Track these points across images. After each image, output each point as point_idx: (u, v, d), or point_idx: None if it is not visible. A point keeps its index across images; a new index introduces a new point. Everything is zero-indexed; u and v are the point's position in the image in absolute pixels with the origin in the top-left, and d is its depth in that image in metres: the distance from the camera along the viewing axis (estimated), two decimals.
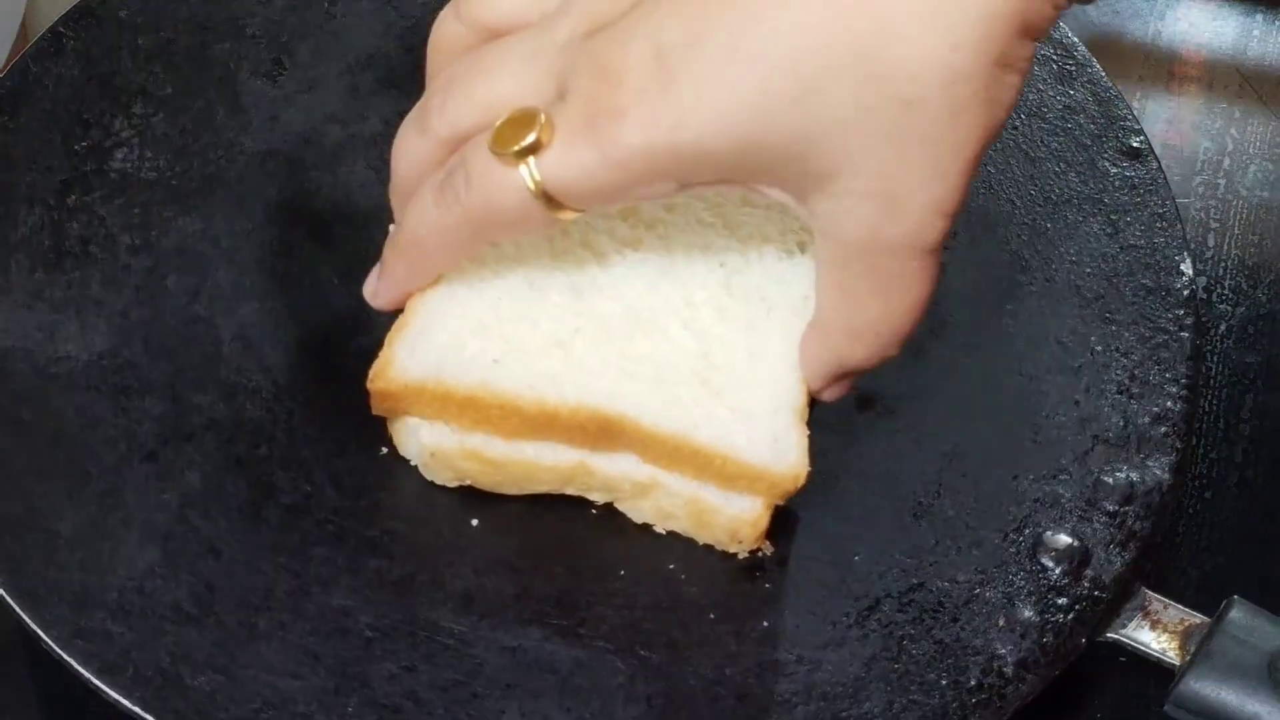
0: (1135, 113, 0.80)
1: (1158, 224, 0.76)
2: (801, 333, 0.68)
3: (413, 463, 0.68)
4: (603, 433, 0.65)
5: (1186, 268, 0.75)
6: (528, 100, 0.60)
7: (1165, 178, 0.78)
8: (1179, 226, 0.76)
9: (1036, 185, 0.78)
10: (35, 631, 0.62)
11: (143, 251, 0.73)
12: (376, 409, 0.67)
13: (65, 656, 0.61)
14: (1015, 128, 0.80)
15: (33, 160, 0.74)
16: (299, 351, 0.71)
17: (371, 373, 0.67)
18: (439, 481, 0.67)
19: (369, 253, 0.74)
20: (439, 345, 0.67)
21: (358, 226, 0.75)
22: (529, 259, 0.69)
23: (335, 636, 0.63)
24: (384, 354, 0.67)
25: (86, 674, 0.61)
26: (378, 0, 0.83)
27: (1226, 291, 0.84)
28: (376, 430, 0.69)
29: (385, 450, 0.68)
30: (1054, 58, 0.82)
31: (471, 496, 0.67)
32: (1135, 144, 0.79)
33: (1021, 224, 0.77)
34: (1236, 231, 0.87)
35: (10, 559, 0.63)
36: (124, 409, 0.68)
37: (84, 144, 0.75)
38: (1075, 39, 0.82)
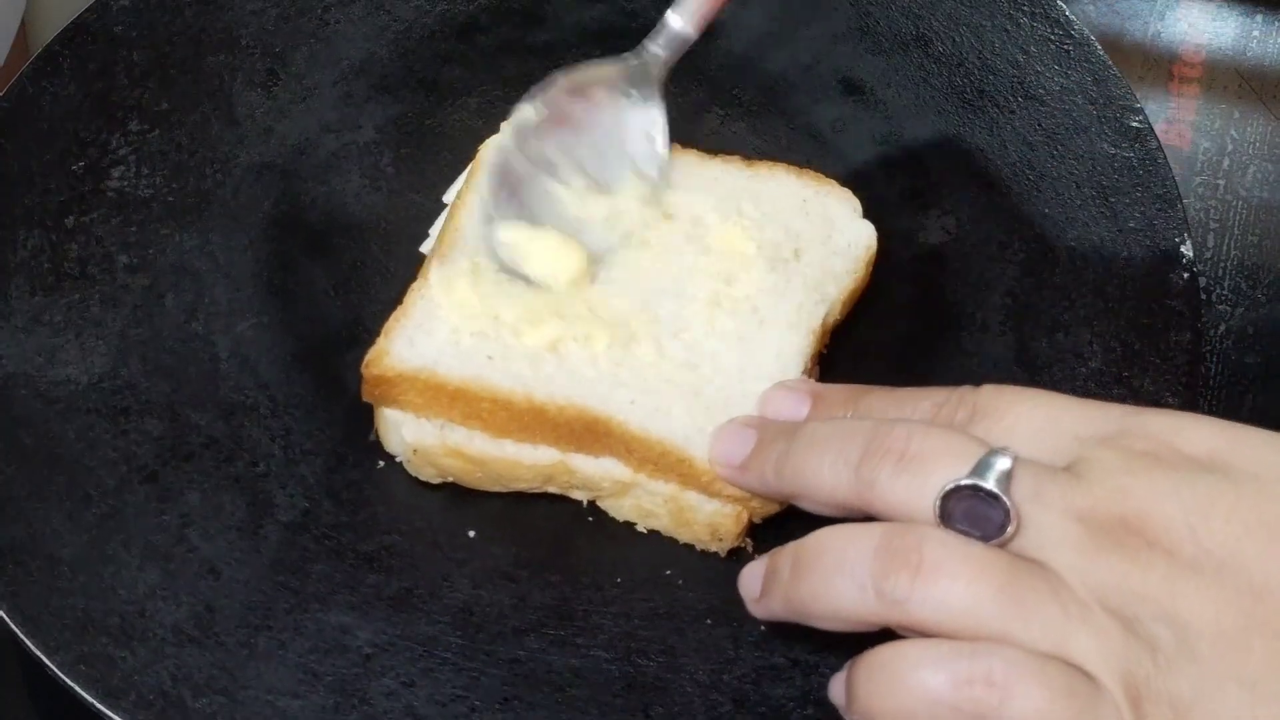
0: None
1: (1157, 205, 0.76)
2: (794, 346, 0.68)
3: (397, 459, 0.69)
4: (589, 433, 0.66)
5: (1187, 249, 0.74)
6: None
7: (1165, 157, 0.77)
8: (1179, 207, 0.75)
9: (1034, 169, 0.78)
10: (39, 658, 0.62)
11: (140, 270, 0.73)
12: (367, 395, 0.68)
13: (69, 682, 0.62)
14: (1012, 111, 0.79)
15: (31, 182, 0.75)
16: (295, 366, 0.71)
17: (366, 358, 0.67)
18: (422, 478, 0.68)
19: (364, 263, 0.75)
20: (437, 339, 0.67)
21: (353, 237, 0.76)
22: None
23: (334, 654, 0.63)
24: (380, 342, 0.68)
25: (90, 699, 0.62)
26: (370, 5, 0.83)
27: (1226, 292, 0.83)
28: (373, 443, 0.69)
29: (382, 464, 0.69)
30: (1052, 38, 0.81)
31: (468, 507, 0.68)
32: (1134, 124, 0.78)
33: (1018, 209, 0.76)
34: (1236, 232, 0.86)
35: (13, 584, 0.64)
36: (124, 430, 0.69)
37: (81, 164, 0.76)
38: (1073, 17, 0.81)
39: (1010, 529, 0.53)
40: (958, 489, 0.54)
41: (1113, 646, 0.52)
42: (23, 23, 0.91)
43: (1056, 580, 0.53)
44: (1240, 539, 0.52)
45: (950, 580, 0.53)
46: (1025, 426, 0.56)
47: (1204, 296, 0.83)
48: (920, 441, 0.56)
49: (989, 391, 0.58)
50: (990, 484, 0.53)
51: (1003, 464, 0.54)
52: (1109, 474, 0.53)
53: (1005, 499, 0.53)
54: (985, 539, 0.54)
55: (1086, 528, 0.53)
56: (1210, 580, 0.51)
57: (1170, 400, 0.70)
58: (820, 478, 0.58)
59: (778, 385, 0.66)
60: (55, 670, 0.62)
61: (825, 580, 0.56)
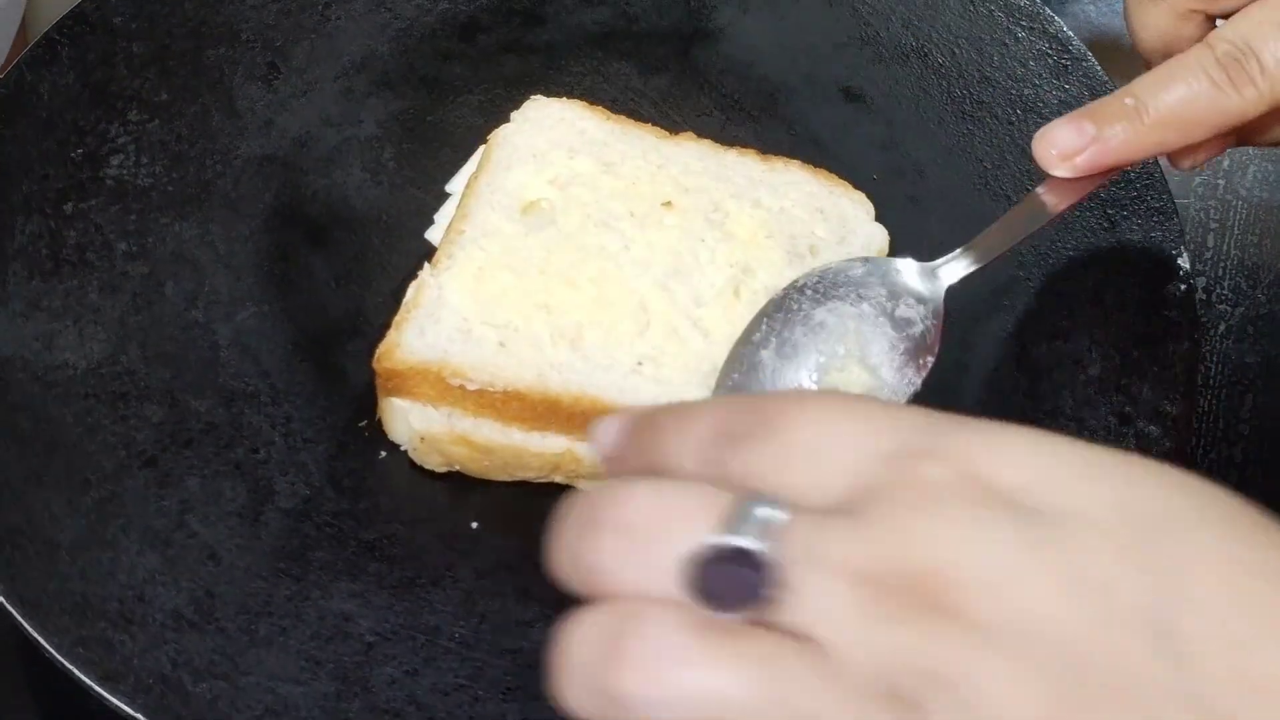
0: None
1: (1155, 219, 0.76)
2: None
3: (402, 447, 0.68)
4: None
5: (1184, 263, 0.75)
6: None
7: (1162, 171, 0.78)
8: (1176, 221, 0.76)
9: (1032, 181, 0.78)
10: (37, 640, 0.62)
11: (139, 258, 0.73)
12: (380, 389, 0.68)
13: (67, 665, 0.61)
14: (1011, 123, 0.80)
15: (29, 169, 0.74)
16: (296, 355, 0.71)
17: (378, 352, 0.67)
18: (428, 466, 0.68)
19: (365, 255, 0.75)
20: (448, 329, 0.67)
21: (353, 229, 0.75)
22: (543, 251, 0.70)
23: (336, 641, 0.63)
24: (391, 334, 0.68)
25: (88, 682, 0.61)
26: (370, 2, 0.83)
27: (1226, 291, 0.84)
28: (375, 432, 0.69)
29: (384, 453, 0.68)
30: (1050, 52, 0.82)
31: (471, 499, 0.67)
32: None
33: None
34: (1236, 232, 0.87)
35: (11, 568, 0.63)
36: (123, 416, 0.68)
37: (80, 151, 0.75)
38: (1070, 33, 0.82)
39: (773, 598, 0.40)
40: (702, 554, 0.41)
41: None
42: (23, 26, 0.91)
43: (826, 662, 0.40)
44: (1054, 602, 0.40)
45: (686, 670, 0.41)
46: (805, 447, 0.43)
47: (1204, 296, 0.84)
48: (650, 504, 0.43)
49: (771, 401, 0.45)
50: (744, 542, 0.41)
51: (762, 514, 0.41)
52: (895, 515, 0.41)
53: (764, 559, 0.41)
54: (742, 613, 0.41)
55: (864, 590, 0.40)
56: (1015, 656, 0.40)
57: (1169, 407, 0.70)
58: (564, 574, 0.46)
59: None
60: (53, 653, 0.61)
61: (558, 680, 0.45)
